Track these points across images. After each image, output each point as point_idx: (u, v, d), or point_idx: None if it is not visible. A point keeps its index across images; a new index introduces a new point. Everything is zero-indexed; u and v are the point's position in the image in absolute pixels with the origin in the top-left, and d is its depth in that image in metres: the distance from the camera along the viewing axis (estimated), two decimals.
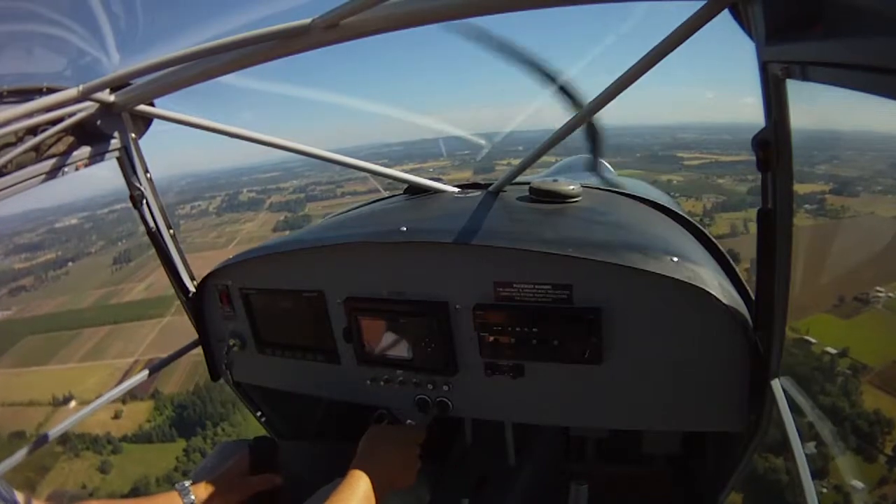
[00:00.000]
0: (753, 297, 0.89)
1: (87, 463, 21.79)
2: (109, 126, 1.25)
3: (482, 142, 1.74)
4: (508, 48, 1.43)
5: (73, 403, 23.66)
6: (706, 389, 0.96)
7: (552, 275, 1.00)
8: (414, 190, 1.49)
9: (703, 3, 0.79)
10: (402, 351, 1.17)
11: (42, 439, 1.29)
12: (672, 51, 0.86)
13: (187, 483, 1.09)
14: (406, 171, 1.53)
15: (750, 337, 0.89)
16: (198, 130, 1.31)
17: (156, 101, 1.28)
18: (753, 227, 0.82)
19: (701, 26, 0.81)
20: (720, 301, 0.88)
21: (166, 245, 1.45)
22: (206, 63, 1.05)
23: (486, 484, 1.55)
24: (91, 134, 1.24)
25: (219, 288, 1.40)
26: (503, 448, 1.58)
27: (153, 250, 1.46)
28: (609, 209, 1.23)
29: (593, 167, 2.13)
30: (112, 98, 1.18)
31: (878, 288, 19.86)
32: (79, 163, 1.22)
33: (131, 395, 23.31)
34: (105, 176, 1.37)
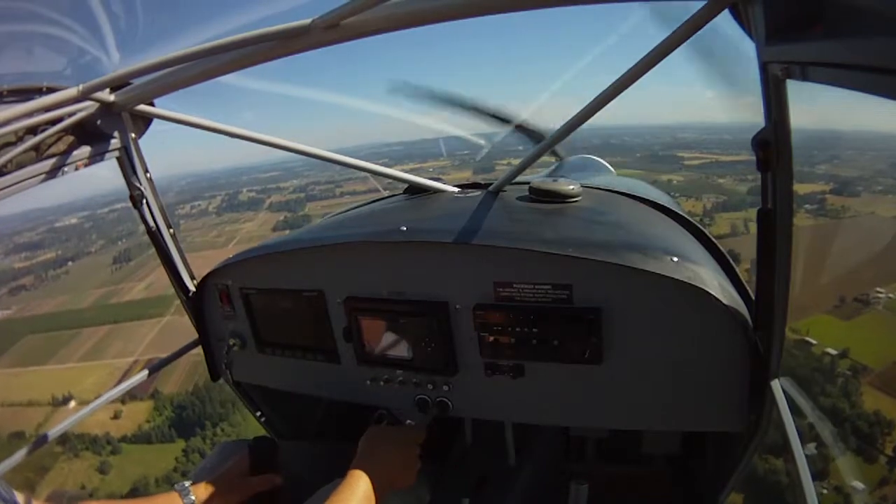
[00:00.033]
0: (753, 297, 0.89)
1: (86, 463, 21.79)
2: (109, 126, 1.25)
3: (482, 142, 1.75)
4: (458, 102, 1.45)
5: (72, 403, 23.66)
6: (706, 389, 0.96)
7: (552, 275, 1.00)
8: (414, 190, 1.49)
9: (703, 3, 0.79)
10: (402, 351, 1.17)
11: (41, 439, 1.29)
12: (672, 51, 0.86)
13: (187, 483, 1.09)
14: (406, 171, 1.53)
15: (750, 337, 0.89)
16: (198, 130, 1.31)
17: (156, 101, 1.28)
18: (753, 227, 0.82)
19: (701, 26, 0.81)
20: (720, 301, 0.88)
21: (166, 245, 1.45)
22: (206, 63, 1.05)
23: (486, 484, 1.55)
24: (91, 133, 1.24)
25: (219, 287, 1.40)
26: (503, 448, 1.58)
27: (153, 250, 1.46)
28: (609, 209, 1.23)
29: (606, 168, 2.12)
30: (112, 98, 1.18)
31: (878, 289, 19.86)
32: (79, 162, 1.23)
33: (131, 396, 23.30)
34: (105, 175, 1.38)
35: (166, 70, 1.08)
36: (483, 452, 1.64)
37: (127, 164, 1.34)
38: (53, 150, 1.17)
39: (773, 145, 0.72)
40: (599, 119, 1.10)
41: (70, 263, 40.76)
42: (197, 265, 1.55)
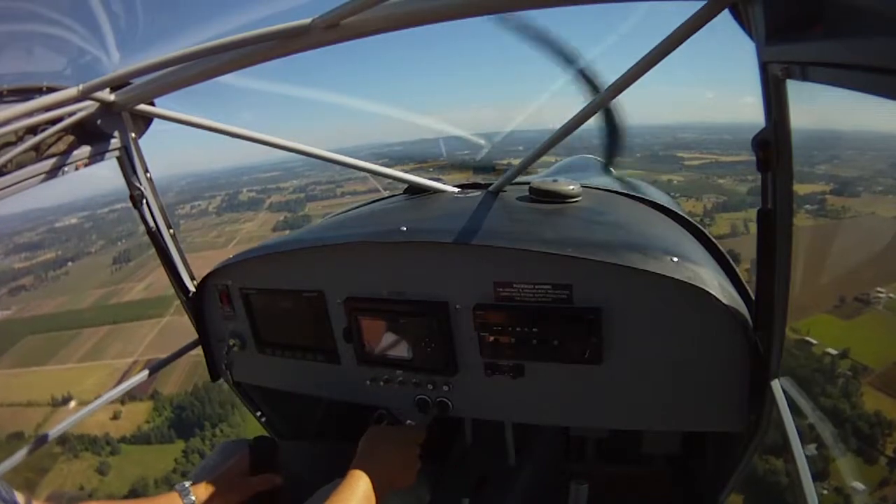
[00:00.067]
0: (753, 297, 0.89)
1: (85, 464, 21.76)
2: (109, 125, 1.25)
3: (482, 142, 1.75)
4: (537, 32, 1.40)
5: (72, 404, 23.64)
6: (706, 389, 0.96)
7: (552, 275, 1.00)
8: (414, 190, 1.49)
9: (703, 3, 0.79)
10: (402, 351, 1.17)
11: (41, 440, 1.29)
12: (672, 51, 0.87)
13: (187, 483, 1.09)
14: (406, 171, 1.53)
15: (750, 337, 0.89)
16: (198, 130, 1.31)
17: (156, 101, 1.28)
18: (753, 227, 0.82)
19: (701, 26, 0.81)
20: (720, 301, 0.88)
21: (166, 245, 1.45)
22: (206, 63, 1.05)
23: (486, 484, 1.55)
24: (91, 133, 1.24)
25: (219, 288, 1.40)
26: (503, 448, 1.57)
27: (153, 250, 1.46)
28: (609, 209, 1.23)
29: (605, 167, 2.12)
30: (112, 97, 1.18)
31: (878, 289, 19.85)
32: (79, 162, 1.22)
33: (130, 396, 23.28)
34: (105, 175, 1.38)
35: (166, 70, 1.08)
36: (483, 452, 1.64)
37: (127, 164, 1.34)
38: (53, 149, 1.17)
39: (773, 145, 0.72)
40: (599, 119, 1.10)
41: (70, 264, 40.74)
42: (197, 265, 1.55)
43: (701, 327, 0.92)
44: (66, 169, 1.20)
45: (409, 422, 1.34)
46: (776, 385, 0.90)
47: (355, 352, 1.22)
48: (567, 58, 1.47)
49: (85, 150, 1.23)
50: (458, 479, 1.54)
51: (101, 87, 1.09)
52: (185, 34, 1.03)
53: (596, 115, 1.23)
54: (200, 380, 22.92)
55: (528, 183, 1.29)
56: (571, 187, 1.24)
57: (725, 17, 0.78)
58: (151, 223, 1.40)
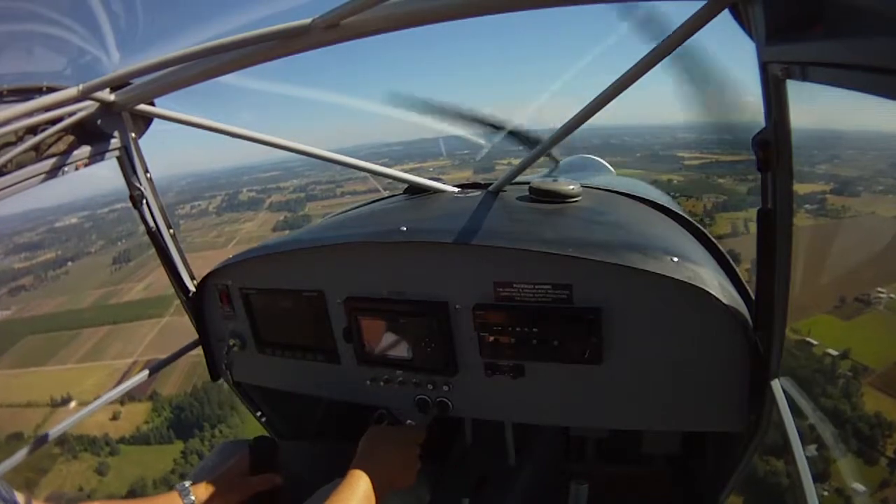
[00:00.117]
0: (753, 297, 0.89)
1: (84, 465, 21.75)
2: (109, 125, 1.25)
3: (482, 142, 1.75)
4: (453, 112, 1.46)
5: (73, 404, 23.63)
6: (706, 389, 0.96)
7: (552, 275, 1.00)
8: (414, 190, 1.49)
9: (703, 3, 0.79)
10: (402, 351, 1.17)
11: (40, 440, 1.29)
12: (672, 51, 0.87)
13: (187, 483, 1.09)
14: (406, 171, 1.53)
15: (750, 337, 0.89)
16: (198, 130, 1.31)
17: (156, 101, 1.28)
18: (753, 227, 0.82)
19: (701, 26, 0.81)
20: (720, 301, 0.88)
21: (166, 245, 1.45)
22: (206, 63, 1.05)
23: (486, 484, 1.55)
24: (91, 133, 1.24)
25: (219, 288, 1.40)
26: (503, 448, 1.57)
27: (152, 250, 1.46)
28: (609, 209, 1.23)
29: (594, 167, 2.13)
30: (112, 97, 1.18)
31: (879, 289, 19.84)
32: (79, 162, 1.23)
33: (129, 397, 23.27)
34: (105, 175, 1.37)
35: (166, 70, 1.08)
36: (483, 452, 1.63)
37: (127, 164, 1.34)
38: (53, 149, 1.17)
39: (773, 145, 0.72)
40: (599, 119, 1.10)
41: (70, 264, 40.74)
42: (197, 265, 1.55)
43: (701, 327, 0.92)
44: (66, 169, 1.20)
45: (409, 422, 1.34)
46: (776, 385, 0.90)
47: (355, 352, 1.22)
48: (493, 125, 1.52)
49: (85, 150, 1.23)
50: (458, 479, 1.54)
51: (101, 87, 1.09)
52: (185, 34, 1.03)
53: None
54: (199, 380, 22.91)
55: (528, 183, 1.29)
56: (571, 187, 1.24)
57: (725, 17, 0.78)
58: (151, 223, 1.40)
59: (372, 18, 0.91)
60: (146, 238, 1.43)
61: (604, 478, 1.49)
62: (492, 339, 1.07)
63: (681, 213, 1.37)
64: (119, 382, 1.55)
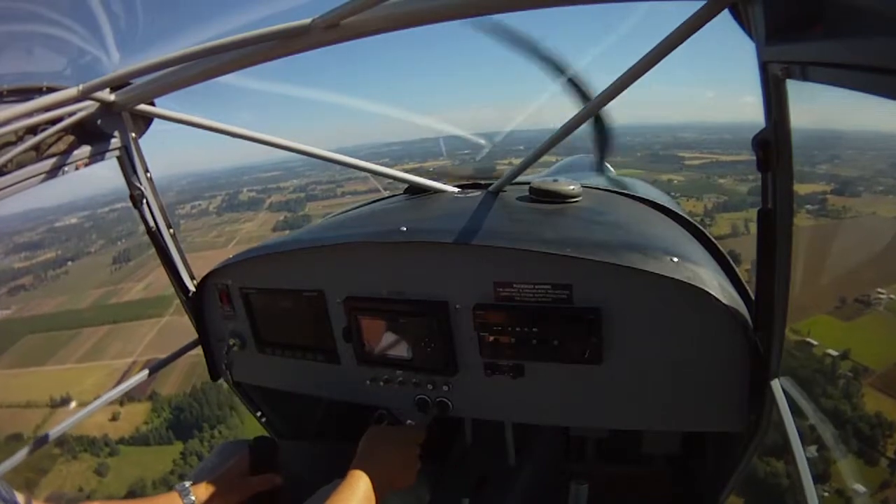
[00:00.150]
0: (753, 297, 0.89)
1: (84, 465, 21.74)
2: (109, 125, 1.25)
3: (482, 141, 1.75)
4: (524, 41, 1.42)
5: (73, 404, 23.62)
6: (706, 389, 0.96)
7: (552, 275, 0.99)
8: (414, 190, 1.49)
9: (703, 3, 0.79)
10: (402, 351, 1.17)
11: (40, 441, 1.29)
12: (672, 51, 0.87)
13: (187, 483, 1.08)
14: (406, 171, 1.53)
15: (750, 337, 0.89)
16: (198, 130, 1.31)
17: (156, 101, 1.28)
18: (754, 227, 0.82)
19: (701, 26, 0.81)
20: (720, 301, 0.88)
21: (166, 245, 1.45)
22: (206, 63, 1.05)
23: (486, 484, 1.55)
24: (91, 133, 1.24)
25: (219, 287, 1.40)
26: (503, 448, 1.57)
27: (152, 250, 1.46)
28: (609, 209, 1.23)
29: (598, 167, 2.13)
30: (112, 97, 1.18)
31: (879, 289, 19.83)
32: (79, 162, 1.23)
33: (129, 397, 23.25)
34: (105, 175, 1.37)
35: (166, 70, 1.08)
36: (483, 452, 1.63)
37: (127, 164, 1.34)
38: (53, 149, 1.17)
39: (773, 145, 0.72)
40: (608, 118, 1.10)
41: (70, 263, 40.74)
42: (197, 265, 1.55)
43: (701, 327, 0.92)
44: (66, 169, 1.20)
45: (409, 422, 1.34)
46: (776, 385, 0.90)
47: (355, 352, 1.22)
48: (556, 66, 1.49)
49: (85, 150, 1.23)
50: (458, 479, 1.54)
51: (101, 87, 1.09)
52: (185, 34, 1.03)
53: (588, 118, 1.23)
54: (199, 381, 22.90)
55: (528, 183, 1.29)
56: (571, 187, 1.24)
57: (725, 17, 0.78)
58: (151, 223, 1.40)
59: (372, 18, 0.91)
60: (146, 238, 1.43)
61: (604, 478, 1.49)
62: (492, 339, 1.07)
63: (681, 213, 1.37)
64: (119, 382, 1.55)
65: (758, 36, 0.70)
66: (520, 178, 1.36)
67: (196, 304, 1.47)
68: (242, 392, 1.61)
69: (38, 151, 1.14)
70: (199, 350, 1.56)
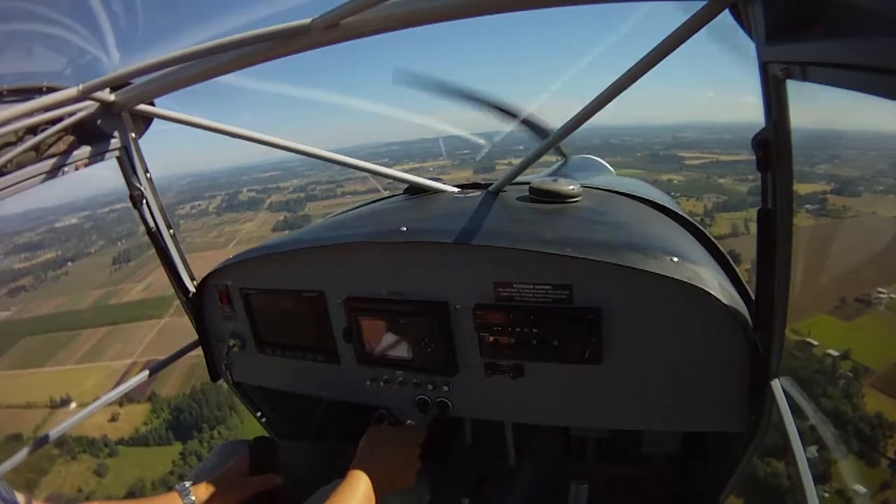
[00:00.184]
0: (753, 297, 0.89)
1: (83, 466, 21.71)
2: (109, 125, 1.25)
3: (482, 141, 1.75)
4: (464, 93, 1.43)
5: (73, 405, 23.60)
6: (706, 389, 0.96)
7: (552, 275, 0.99)
8: (414, 190, 1.49)
9: (703, 3, 0.79)
10: (402, 351, 1.17)
11: (40, 441, 1.29)
12: (672, 51, 0.87)
13: (187, 483, 1.08)
14: (406, 171, 1.53)
15: (750, 337, 0.89)
16: (198, 130, 1.31)
17: (156, 101, 1.28)
18: (754, 227, 0.82)
19: (701, 26, 0.81)
20: (720, 301, 0.88)
21: (166, 245, 1.45)
22: (206, 63, 1.05)
23: (486, 484, 1.55)
24: (91, 133, 1.24)
25: (219, 288, 1.40)
26: (503, 448, 1.57)
27: (152, 250, 1.46)
28: (609, 209, 1.24)
29: (594, 167, 2.13)
30: (112, 97, 1.18)
31: (879, 289, 19.83)
32: (79, 162, 1.23)
33: (128, 398, 23.22)
34: (105, 175, 1.38)
35: (166, 70, 1.08)
36: (483, 452, 1.63)
37: (127, 164, 1.34)
38: (53, 150, 1.17)
39: (773, 145, 0.72)
40: (599, 119, 1.10)
41: (70, 264, 40.73)
42: (197, 266, 1.55)
43: (701, 327, 0.92)
44: (66, 169, 1.20)
45: (409, 422, 1.34)
46: (776, 385, 0.90)
47: (355, 352, 1.22)
48: (508, 112, 1.50)
49: (85, 150, 1.23)
50: (458, 479, 1.54)
51: (101, 87, 1.09)
52: (185, 34, 1.03)
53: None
54: (198, 381, 22.88)
55: (528, 183, 1.29)
56: (571, 187, 1.24)
57: (725, 17, 0.78)
58: (151, 223, 1.40)
59: (372, 18, 0.91)
60: (146, 238, 1.43)
61: (604, 478, 1.49)
62: (492, 339, 1.07)
63: (681, 213, 1.37)
64: (118, 383, 1.55)
65: (758, 36, 0.71)
66: (520, 178, 1.36)
67: (196, 305, 1.47)
68: (242, 392, 1.61)
69: (38, 152, 1.14)
70: (198, 351, 1.56)
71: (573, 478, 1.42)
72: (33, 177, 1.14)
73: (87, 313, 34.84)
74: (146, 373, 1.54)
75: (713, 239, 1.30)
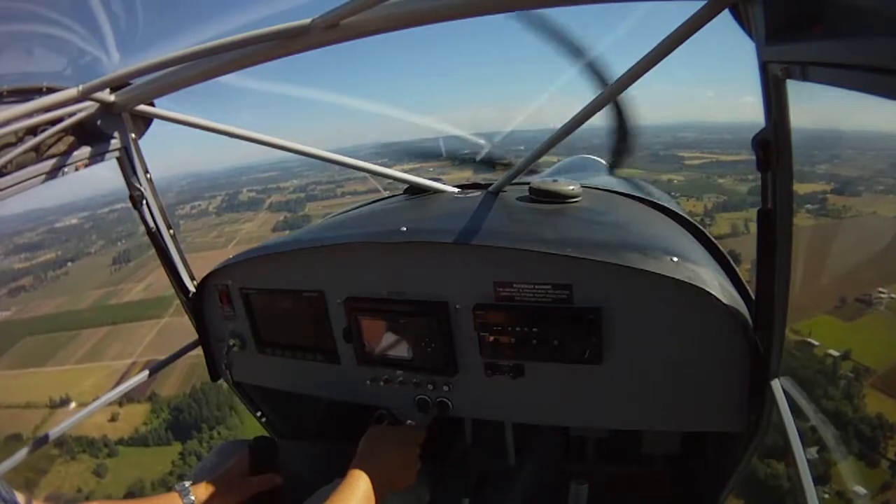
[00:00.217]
0: (753, 297, 0.89)
1: (82, 466, 21.70)
2: (109, 126, 1.25)
3: (482, 142, 1.75)
4: (543, 23, 1.39)
5: (72, 405, 23.59)
6: (706, 389, 0.96)
7: (552, 275, 0.99)
8: (414, 190, 1.49)
9: (703, 3, 0.79)
10: (402, 351, 1.17)
11: (39, 441, 1.29)
12: (672, 51, 0.87)
13: (187, 483, 1.08)
14: (406, 171, 1.53)
15: (750, 337, 0.89)
16: (197, 130, 1.31)
17: (156, 101, 1.28)
18: (754, 227, 0.82)
19: (701, 26, 0.81)
20: (720, 301, 0.88)
21: (166, 245, 1.45)
22: (206, 63, 1.05)
23: (486, 484, 1.55)
24: (91, 134, 1.24)
25: (219, 288, 1.40)
26: (503, 448, 1.57)
27: (152, 250, 1.46)
28: (609, 209, 1.24)
29: (609, 168, 2.12)
30: (112, 98, 1.18)
31: (880, 289, 19.81)
32: (79, 163, 1.23)
33: (128, 398, 23.21)
34: (105, 176, 1.38)
35: (166, 70, 1.08)
36: (483, 452, 1.63)
37: (127, 165, 1.34)
38: (53, 150, 1.17)
39: (773, 145, 0.72)
40: (599, 119, 1.10)
41: (70, 264, 40.74)
42: (197, 266, 1.55)
43: (701, 327, 0.92)
44: (66, 169, 1.20)
45: (409, 422, 1.34)
46: (776, 385, 0.90)
47: (355, 352, 1.22)
48: (576, 50, 1.46)
49: (85, 150, 1.23)
50: (458, 479, 1.54)
51: (101, 87, 1.08)
52: (185, 34, 1.03)
53: (607, 115, 1.22)
54: (198, 381, 22.88)
55: (528, 183, 1.29)
56: (571, 187, 1.24)
57: (725, 17, 0.78)
58: (151, 223, 1.40)
59: (372, 18, 0.91)
60: (146, 238, 1.43)
61: (604, 478, 1.49)
62: (492, 339, 1.07)
63: (681, 213, 1.37)
64: (118, 383, 1.55)
65: (758, 36, 0.71)
66: (520, 178, 1.36)
67: (196, 305, 1.47)
68: (242, 392, 1.61)
69: (38, 152, 1.14)
70: (198, 351, 1.56)
71: (573, 478, 1.42)
72: (33, 177, 1.14)
73: (87, 313, 34.85)
74: (146, 373, 1.53)
75: (713, 239, 1.30)
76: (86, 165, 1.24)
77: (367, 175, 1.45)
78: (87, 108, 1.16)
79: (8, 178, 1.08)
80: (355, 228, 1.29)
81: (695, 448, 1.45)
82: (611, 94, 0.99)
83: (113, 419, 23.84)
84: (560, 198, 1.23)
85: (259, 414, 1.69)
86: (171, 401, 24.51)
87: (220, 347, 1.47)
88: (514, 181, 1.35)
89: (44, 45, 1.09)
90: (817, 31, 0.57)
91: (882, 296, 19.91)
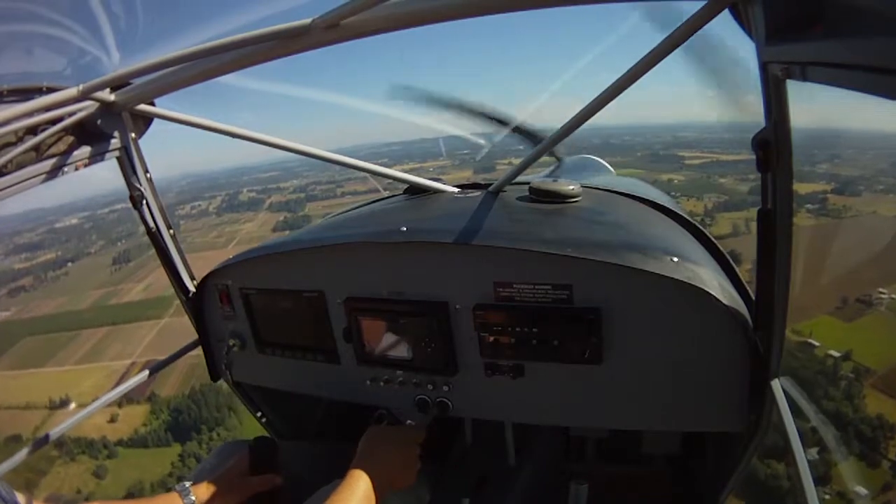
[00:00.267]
0: (753, 297, 0.89)
1: (82, 467, 21.69)
2: (109, 126, 1.25)
3: (482, 141, 1.75)
4: (457, 105, 1.46)
5: (72, 406, 23.58)
6: (706, 389, 0.96)
7: (552, 275, 1.00)
8: (414, 190, 1.49)
9: (703, 3, 0.79)
10: (402, 351, 1.17)
11: (39, 442, 1.29)
12: (672, 51, 0.87)
13: (187, 483, 1.08)
14: (406, 171, 1.53)
15: (750, 337, 0.89)
16: (198, 130, 1.31)
17: (156, 101, 1.28)
18: (754, 227, 0.82)
19: (701, 26, 0.81)
20: (720, 301, 0.88)
21: (166, 245, 1.45)
22: (206, 63, 1.05)
23: (486, 484, 1.55)
24: (91, 133, 1.24)
25: (219, 288, 1.40)
26: (503, 448, 1.57)
27: (152, 250, 1.46)
28: (609, 209, 1.24)
29: (594, 167, 2.13)
30: (112, 97, 1.18)
31: (880, 289, 19.80)
32: (79, 163, 1.23)
33: (127, 399, 23.20)
34: (105, 176, 1.38)
35: (166, 70, 1.08)
36: (483, 452, 1.63)
37: (127, 165, 1.34)
38: (53, 150, 1.17)
39: (773, 145, 0.72)
40: (599, 119, 1.10)
41: (70, 264, 40.75)
42: (197, 266, 1.55)
43: (701, 327, 0.92)
44: (66, 169, 1.20)
45: (409, 422, 1.34)
46: (776, 385, 0.90)
47: (355, 352, 1.22)
48: (500, 120, 1.52)
49: (85, 150, 1.23)
50: (458, 479, 1.54)
51: (101, 87, 1.09)
52: (185, 34, 1.03)
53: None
54: (198, 382, 22.87)
55: (528, 183, 1.29)
56: (571, 187, 1.24)
57: (725, 17, 0.78)
58: (151, 223, 1.40)
59: (372, 18, 0.91)
60: (146, 238, 1.43)
61: (604, 478, 1.49)
62: (492, 339, 1.07)
63: (681, 213, 1.37)
64: (118, 384, 1.55)
65: (758, 36, 0.71)
66: (520, 178, 1.36)
67: (196, 305, 1.47)
68: (242, 392, 1.61)
69: (38, 152, 1.14)
70: (198, 351, 1.56)
71: (573, 478, 1.42)
72: (33, 177, 1.14)
73: (86, 313, 34.83)
74: (146, 373, 1.53)
75: (713, 239, 1.30)
76: (86, 165, 1.24)
77: (367, 175, 1.45)
78: (87, 107, 1.16)
79: (8, 177, 1.08)
80: (355, 228, 1.29)
81: (695, 448, 1.45)
82: (612, 93, 0.99)
83: (112, 420, 23.83)
84: (560, 198, 1.23)
85: (259, 414, 1.69)
86: (170, 402, 24.49)
87: (220, 347, 1.47)
88: (514, 181, 1.35)
89: (44, 45, 1.09)
90: (817, 31, 0.57)
91: (882, 296, 19.90)
